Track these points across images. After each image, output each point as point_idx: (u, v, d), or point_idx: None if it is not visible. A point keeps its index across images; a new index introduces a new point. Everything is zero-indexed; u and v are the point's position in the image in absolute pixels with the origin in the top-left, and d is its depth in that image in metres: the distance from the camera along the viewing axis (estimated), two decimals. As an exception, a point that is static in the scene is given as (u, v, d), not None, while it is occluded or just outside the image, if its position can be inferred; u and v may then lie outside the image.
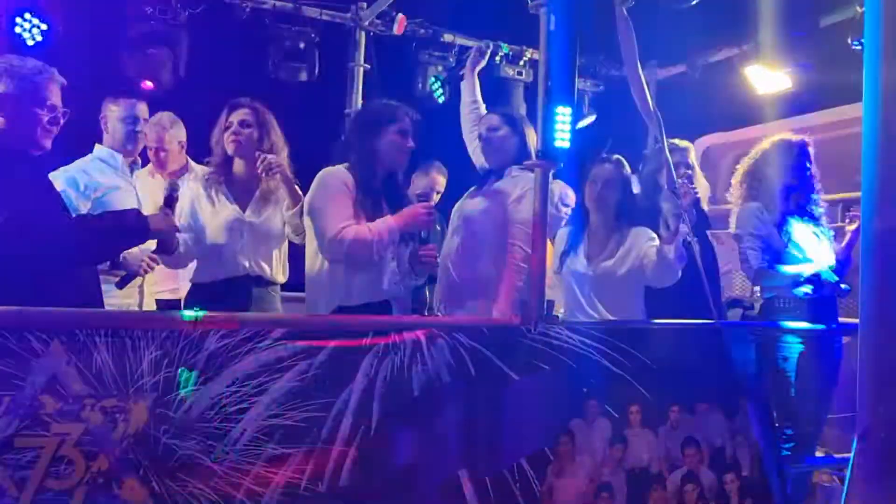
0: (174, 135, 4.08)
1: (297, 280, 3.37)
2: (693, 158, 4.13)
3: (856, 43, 4.49)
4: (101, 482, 2.14)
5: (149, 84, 4.83)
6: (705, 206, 4.12)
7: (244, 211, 3.34)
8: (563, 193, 4.46)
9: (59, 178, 3.64)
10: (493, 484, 2.66)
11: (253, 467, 2.31)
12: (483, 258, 3.27)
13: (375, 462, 2.48)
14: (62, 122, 2.75)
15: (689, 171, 3.83)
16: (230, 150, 3.34)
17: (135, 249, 3.15)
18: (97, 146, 3.85)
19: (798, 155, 3.77)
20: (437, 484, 2.59)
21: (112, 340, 2.19)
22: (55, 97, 2.70)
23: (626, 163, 3.70)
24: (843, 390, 3.58)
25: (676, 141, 4.02)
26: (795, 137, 3.87)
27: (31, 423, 2.09)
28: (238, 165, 3.38)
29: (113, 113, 3.82)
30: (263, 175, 3.28)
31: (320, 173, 3.12)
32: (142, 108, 3.88)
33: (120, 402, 2.18)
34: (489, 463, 2.67)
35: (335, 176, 3.07)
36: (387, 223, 2.99)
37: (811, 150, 3.83)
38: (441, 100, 5.84)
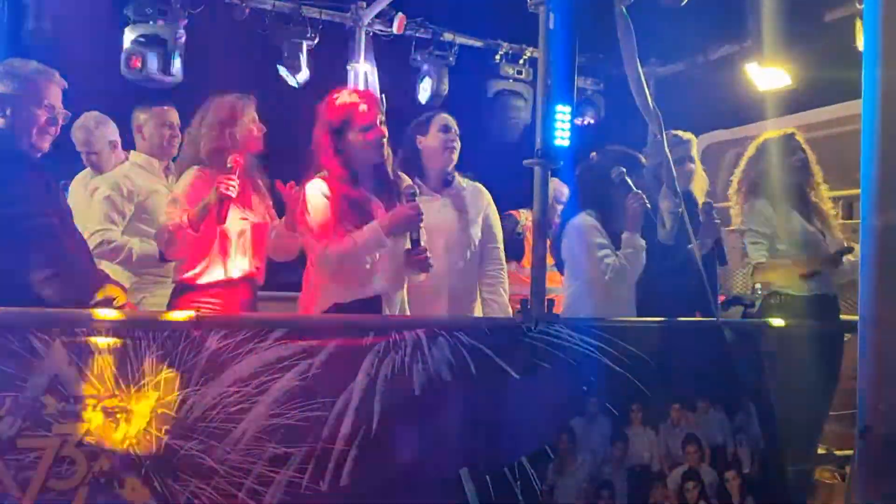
0: (101, 135, 4.08)
1: (296, 279, 3.37)
2: (695, 151, 4.12)
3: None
4: (103, 482, 2.15)
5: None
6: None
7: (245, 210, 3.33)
8: (559, 191, 4.46)
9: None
10: (494, 482, 2.67)
11: (254, 467, 2.32)
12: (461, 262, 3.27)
13: (377, 461, 2.49)
14: (61, 123, 2.76)
15: (710, 201, 3.81)
16: (259, 146, 3.33)
17: None
18: (132, 153, 3.94)
19: (785, 149, 3.78)
20: (438, 482, 2.60)
21: (113, 341, 2.20)
22: (55, 98, 2.72)
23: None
24: (844, 387, 3.58)
25: (680, 133, 4.00)
26: (777, 133, 3.88)
27: (33, 424, 2.10)
28: (252, 163, 3.36)
29: (148, 120, 3.89)
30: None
31: (305, 188, 3.04)
32: (173, 114, 3.94)
33: (121, 402, 2.19)
34: (490, 461, 2.68)
35: (312, 191, 3.00)
36: (372, 228, 2.92)
37: (799, 139, 3.83)
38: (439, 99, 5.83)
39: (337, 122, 3.01)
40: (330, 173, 3.02)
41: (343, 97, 3.08)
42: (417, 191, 3.07)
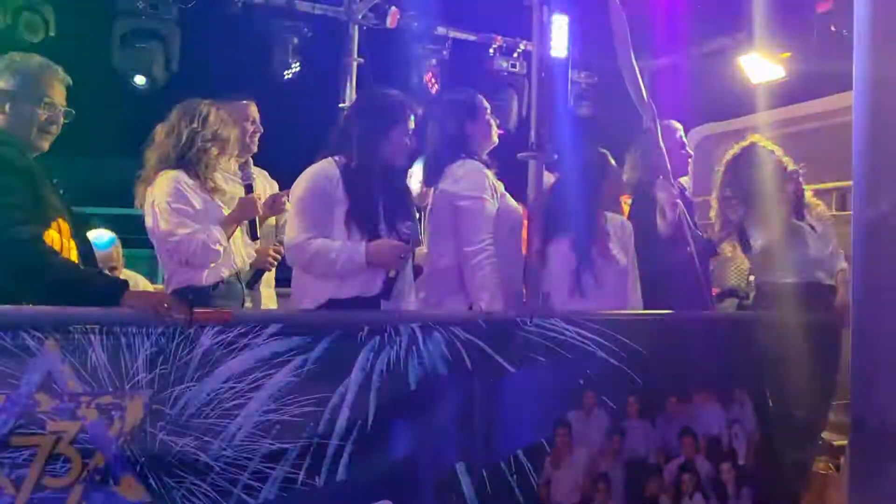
0: None
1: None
2: (682, 136, 4.08)
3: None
4: (98, 479, 2.14)
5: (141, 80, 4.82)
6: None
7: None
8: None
9: None
10: (491, 476, 2.67)
11: (250, 463, 2.31)
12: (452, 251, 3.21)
13: (372, 456, 2.49)
14: (63, 122, 2.59)
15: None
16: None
17: (259, 244, 3.24)
18: None
19: (760, 159, 3.76)
20: (434, 477, 2.60)
21: (107, 338, 2.18)
22: (57, 96, 2.56)
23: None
24: (843, 377, 3.58)
25: (670, 122, 3.99)
26: (737, 148, 3.83)
27: (27, 422, 2.09)
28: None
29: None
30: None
31: (307, 171, 2.93)
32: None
33: (116, 399, 2.18)
34: (486, 455, 2.67)
35: (318, 179, 2.88)
36: (356, 257, 2.78)
37: (761, 145, 3.80)
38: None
39: (384, 121, 2.92)
40: (349, 161, 2.89)
41: (397, 98, 3.02)
42: (417, 235, 2.95)
